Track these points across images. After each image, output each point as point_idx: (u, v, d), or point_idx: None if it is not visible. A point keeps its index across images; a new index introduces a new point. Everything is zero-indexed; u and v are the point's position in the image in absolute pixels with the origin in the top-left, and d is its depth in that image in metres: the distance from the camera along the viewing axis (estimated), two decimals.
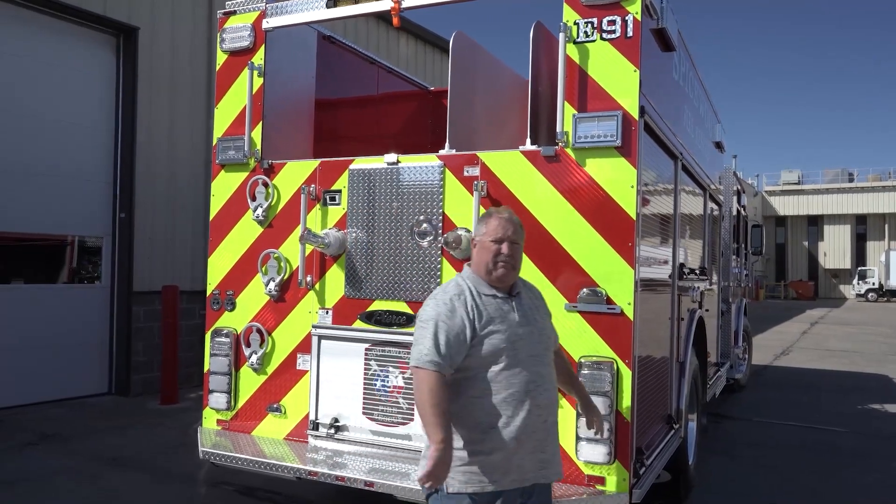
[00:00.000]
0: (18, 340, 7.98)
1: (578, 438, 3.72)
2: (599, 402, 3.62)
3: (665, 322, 4.72)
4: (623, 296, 3.69)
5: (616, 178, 3.73)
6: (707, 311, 6.66)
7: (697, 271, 6.01)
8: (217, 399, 4.73)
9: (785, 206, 54.47)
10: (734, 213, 9.92)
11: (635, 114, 3.71)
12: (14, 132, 8.06)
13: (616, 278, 3.72)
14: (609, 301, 3.71)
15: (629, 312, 3.68)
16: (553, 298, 3.75)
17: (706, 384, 6.53)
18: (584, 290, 3.76)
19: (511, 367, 2.79)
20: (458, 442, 2.73)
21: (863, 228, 52.88)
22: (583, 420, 3.59)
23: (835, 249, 52.96)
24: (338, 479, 3.95)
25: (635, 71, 3.72)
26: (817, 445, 7.72)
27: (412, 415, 4.19)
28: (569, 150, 3.83)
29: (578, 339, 3.78)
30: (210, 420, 4.79)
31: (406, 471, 3.94)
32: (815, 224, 54.20)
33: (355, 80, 5.66)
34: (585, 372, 3.71)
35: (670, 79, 4.66)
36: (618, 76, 3.76)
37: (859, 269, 49.84)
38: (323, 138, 5.26)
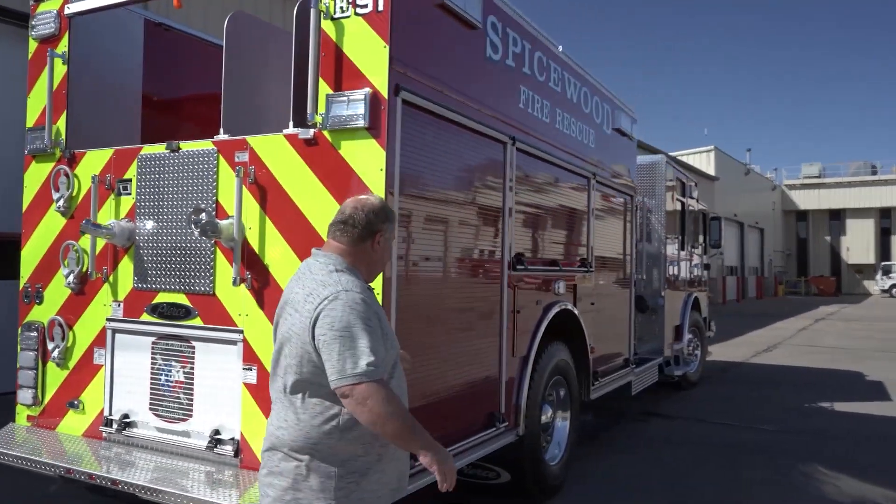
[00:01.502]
0: None
1: None
2: None
3: (479, 314, 4.49)
4: (377, 286, 3.49)
5: (366, 161, 3.53)
6: (592, 304, 6.39)
7: (562, 262, 5.75)
8: (24, 395, 4.63)
9: (806, 200, 53.07)
10: (668, 204, 9.59)
11: (384, 92, 3.50)
12: None
13: None
14: None
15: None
16: None
17: (590, 380, 6.26)
18: None
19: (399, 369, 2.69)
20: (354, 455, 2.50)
21: (887, 222, 51.28)
22: None
23: (858, 244, 51.43)
24: (90, 477, 3.81)
25: (385, 47, 3.51)
26: (732, 444, 7.40)
27: (191, 411, 4.04)
28: (325, 133, 3.63)
29: None
30: (21, 416, 4.69)
31: (182, 469, 3.81)
32: (837, 218, 52.69)
33: (199, 65, 5.50)
34: None
35: (480, 57, 4.42)
36: (368, 53, 3.55)
37: (883, 264, 48.35)
38: (158, 126, 5.12)
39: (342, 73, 3.60)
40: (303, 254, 3.67)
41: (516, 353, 4.91)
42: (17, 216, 4.80)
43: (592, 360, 6.37)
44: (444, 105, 3.97)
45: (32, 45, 4.75)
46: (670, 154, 33.05)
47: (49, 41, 4.66)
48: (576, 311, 5.92)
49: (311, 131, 3.66)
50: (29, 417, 4.65)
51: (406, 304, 3.67)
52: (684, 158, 35.49)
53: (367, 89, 3.51)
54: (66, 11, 4.58)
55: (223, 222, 3.85)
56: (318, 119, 3.62)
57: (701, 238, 11.95)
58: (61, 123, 4.59)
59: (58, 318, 4.55)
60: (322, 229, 3.63)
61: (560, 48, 5.70)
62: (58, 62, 4.59)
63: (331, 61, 3.63)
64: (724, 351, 15.42)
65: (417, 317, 3.84)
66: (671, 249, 9.74)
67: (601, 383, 6.61)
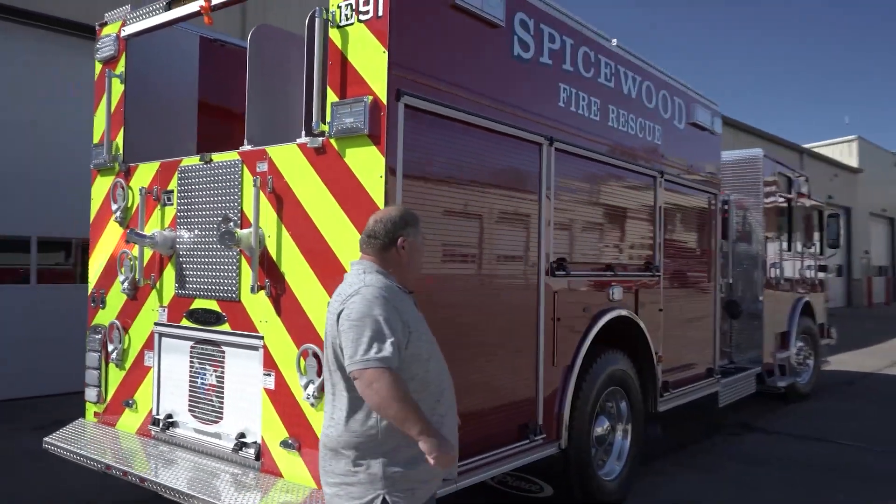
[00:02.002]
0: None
1: None
2: None
3: (509, 323, 4.34)
4: None
5: (367, 168, 3.50)
6: (661, 310, 6.03)
7: (619, 267, 5.46)
8: (90, 392, 4.98)
9: None
10: (769, 202, 8.91)
11: (384, 98, 3.45)
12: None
13: None
14: None
15: None
16: (325, 300, 3.60)
17: (657, 391, 5.91)
18: None
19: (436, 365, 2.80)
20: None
21: None
22: None
23: None
24: (123, 474, 4.03)
25: (384, 52, 3.46)
26: (829, 465, 6.75)
27: (222, 413, 4.18)
28: (332, 142, 3.64)
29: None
30: (89, 412, 5.05)
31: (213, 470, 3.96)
32: None
33: None
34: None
35: (505, 57, 4.26)
36: (369, 59, 3.52)
37: None
38: (213, 138, 5.35)
39: (346, 81, 3.59)
40: (315, 263, 3.71)
41: (557, 363, 4.71)
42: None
43: (661, 369, 6.02)
44: (460, 108, 3.87)
45: (98, 67, 5.11)
46: (805, 146, 30.83)
47: (110, 63, 4.99)
48: (637, 319, 5.61)
49: (320, 140, 3.68)
50: (95, 414, 5.00)
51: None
52: (822, 150, 32.93)
53: (368, 96, 3.48)
54: (123, 34, 4.89)
55: (243, 231, 3.95)
56: (324, 127, 3.64)
57: (816, 237, 11.04)
58: (119, 139, 4.90)
59: (116, 321, 4.85)
60: (328, 237, 3.65)
61: (614, 41, 5.42)
62: (115, 82, 4.90)
63: (337, 69, 3.63)
64: (856, 360, 14.16)
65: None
66: (773, 250, 9.03)
67: (673, 395, 6.23)
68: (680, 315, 6.44)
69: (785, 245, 9.53)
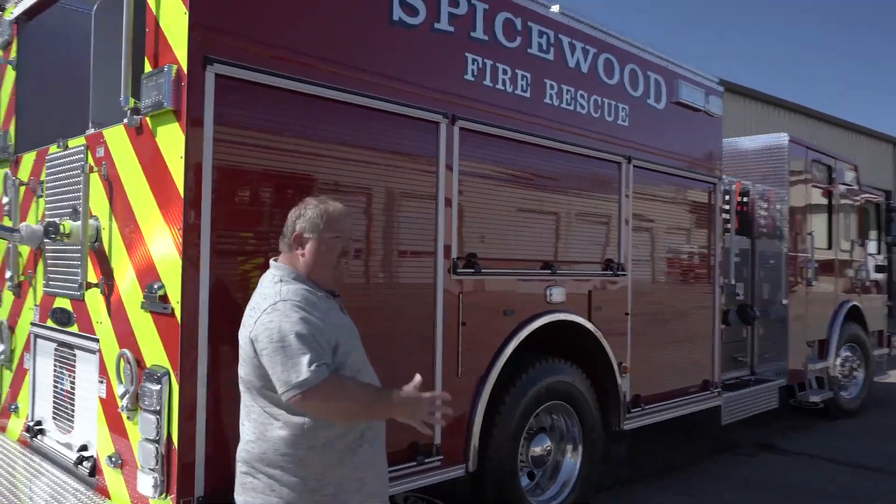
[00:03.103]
0: None
1: (140, 466, 3.09)
2: (151, 422, 2.99)
3: (391, 328, 3.77)
4: (175, 292, 2.99)
5: (172, 148, 3.03)
6: (627, 314, 5.29)
7: (562, 264, 4.77)
8: None
9: None
10: (800, 193, 7.89)
11: (185, 65, 2.97)
12: None
13: (171, 271, 3.02)
14: (164, 299, 3.03)
15: (178, 313, 2.97)
16: (137, 296, 3.18)
17: (622, 407, 5.18)
18: (150, 284, 3.11)
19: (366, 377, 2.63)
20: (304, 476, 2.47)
21: None
22: (148, 446, 3.00)
23: None
24: None
25: (185, 13, 2.98)
26: (846, 495, 5.79)
27: (73, 423, 3.83)
28: (148, 119, 3.19)
29: (148, 344, 3.15)
30: None
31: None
32: None
33: None
34: (142, 384, 3.07)
35: (381, 21, 3.69)
36: (175, 21, 3.04)
37: None
38: None
39: (158, 49, 3.14)
40: (134, 258, 3.29)
41: (463, 374, 4.10)
42: None
43: (627, 382, 5.28)
44: (305, 80, 3.34)
45: None
46: None
47: (3, 49, 4.74)
48: (587, 324, 4.91)
49: (138, 119, 3.25)
50: None
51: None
52: None
53: (173, 65, 3.02)
54: (10, 17, 4.63)
55: (74, 224, 3.57)
56: (132, 103, 3.21)
57: (873, 233, 9.82)
58: (11, 128, 4.64)
59: (4, 320, 4.60)
60: (146, 230, 3.22)
61: (555, 7, 4.74)
62: (8, 69, 4.64)
63: (152, 36, 3.19)
64: None
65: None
66: (805, 247, 7.98)
67: (646, 411, 5.46)
68: (659, 320, 5.66)
69: (823, 242, 8.44)
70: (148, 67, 3.19)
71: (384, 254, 3.75)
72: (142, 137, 3.24)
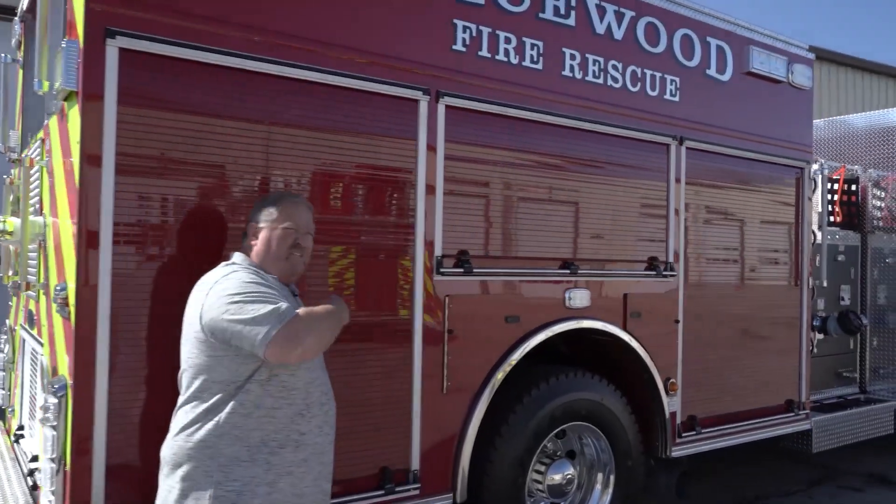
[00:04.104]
0: None
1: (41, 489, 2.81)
2: (49, 440, 2.69)
3: (359, 335, 3.28)
4: (73, 295, 2.67)
5: (74, 133, 2.71)
6: (677, 321, 4.52)
7: (585, 262, 4.10)
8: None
9: None
10: None
11: (82, 40, 2.64)
12: None
13: (71, 271, 2.70)
14: (66, 302, 2.72)
15: (73, 318, 2.64)
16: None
17: (668, 430, 4.43)
18: (58, 286, 2.81)
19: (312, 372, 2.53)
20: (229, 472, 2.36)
21: None
22: (48, 466, 2.72)
23: None
24: None
25: None
26: None
27: (32, 428, 3.64)
28: (65, 103, 2.90)
29: (59, 351, 2.87)
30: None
31: None
32: None
33: None
34: (45, 396, 2.78)
35: None
36: None
37: None
38: None
39: (66, 24, 2.84)
40: (57, 257, 3.02)
41: (451, 390, 3.55)
42: None
43: (681, 400, 4.52)
44: (234, 53, 2.92)
45: None
46: None
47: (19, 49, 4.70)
48: (621, 333, 4.21)
49: (60, 104, 2.97)
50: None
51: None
52: None
53: (75, 40, 2.70)
54: (18, 15, 4.57)
55: (16, 220, 3.38)
56: (45, 87, 2.93)
57: None
58: (21, 128, 4.60)
59: (10, 322, 4.56)
60: (63, 226, 2.93)
61: None
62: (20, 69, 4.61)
63: (71, 11, 2.88)
64: None
65: None
66: None
67: (703, 435, 4.65)
68: (722, 329, 4.82)
69: None
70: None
71: (349, 252, 3.28)
72: (62, 124, 2.97)
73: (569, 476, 4.09)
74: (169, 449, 2.40)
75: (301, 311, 2.41)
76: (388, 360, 3.38)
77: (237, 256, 2.59)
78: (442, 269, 3.51)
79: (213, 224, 2.90)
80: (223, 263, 2.56)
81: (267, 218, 2.57)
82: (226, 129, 2.92)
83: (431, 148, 3.48)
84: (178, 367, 2.76)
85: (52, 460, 2.68)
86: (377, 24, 3.35)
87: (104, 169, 2.65)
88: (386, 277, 3.39)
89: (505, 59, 3.77)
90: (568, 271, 4.00)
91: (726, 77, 4.86)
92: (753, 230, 5.07)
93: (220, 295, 2.34)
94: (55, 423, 2.67)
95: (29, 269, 3.86)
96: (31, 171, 3.74)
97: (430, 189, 3.48)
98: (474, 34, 3.65)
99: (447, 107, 3.52)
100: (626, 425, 4.25)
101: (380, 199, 3.36)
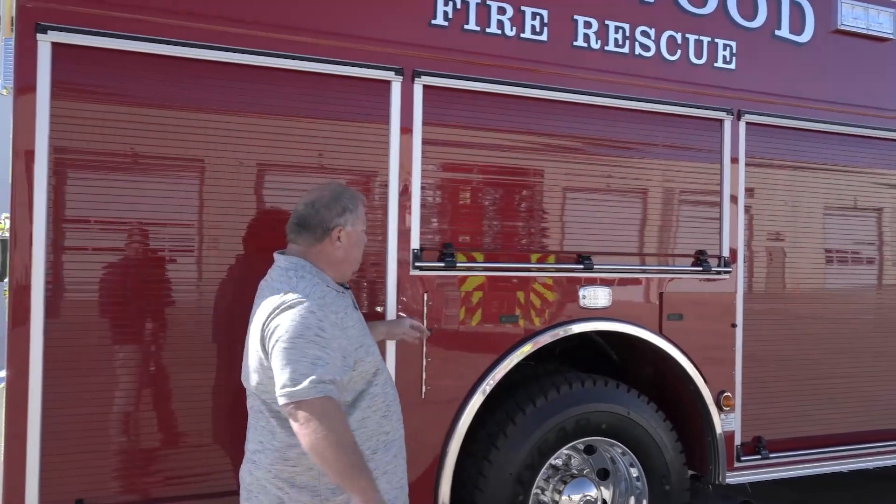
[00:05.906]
0: None
1: None
2: None
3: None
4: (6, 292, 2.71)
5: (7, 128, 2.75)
6: (734, 325, 3.88)
7: (608, 256, 3.60)
8: None
9: None
10: None
11: (9, 31, 2.67)
12: None
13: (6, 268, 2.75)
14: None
15: (7, 317, 2.67)
16: None
17: (719, 453, 3.82)
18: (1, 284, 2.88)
19: (382, 376, 2.47)
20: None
21: None
22: None
23: None
24: None
25: None
26: None
27: None
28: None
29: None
30: None
31: None
32: None
33: None
34: None
35: None
36: None
37: None
38: None
39: (7, 22, 2.88)
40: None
41: (429, 399, 3.23)
42: None
43: (741, 418, 3.88)
44: (183, 42, 2.82)
45: None
46: None
47: None
48: (654, 338, 3.67)
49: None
50: None
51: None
52: None
53: (9, 37, 2.74)
54: None
55: None
56: None
57: None
58: None
59: None
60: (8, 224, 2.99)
61: None
62: None
63: (9, 9, 2.91)
64: None
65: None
66: None
67: (771, 460, 3.96)
68: (799, 337, 4.08)
69: None
70: None
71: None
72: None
73: (587, 499, 3.62)
74: (264, 472, 2.28)
75: (335, 412, 2.11)
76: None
77: (299, 265, 2.34)
78: (419, 264, 3.22)
79: (151, 218, 2.83)
80: (287, 269, 2.33)
81: (351, 220, 2.41)
82: (167, 120, 2.84)
83: (406, 129, 3.19)
84: (115, 363, 2.75)
85: None
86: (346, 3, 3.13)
87: (37, 164, 2.65)
88: (359, 271, 3.16)
89: (498, 31, 3.39)
90: (581, 266, 3.53)
91: (805, 38, 4.11)
92: (841, 219, 4.25)
93: (277, 327, 2.18)
94: None
95: None
96: None
97: (406, 174, 3.20)
98: (458, 6, 3.31)
99: (424, 86, 3.22)
100: (663, 444, 3.69)
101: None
